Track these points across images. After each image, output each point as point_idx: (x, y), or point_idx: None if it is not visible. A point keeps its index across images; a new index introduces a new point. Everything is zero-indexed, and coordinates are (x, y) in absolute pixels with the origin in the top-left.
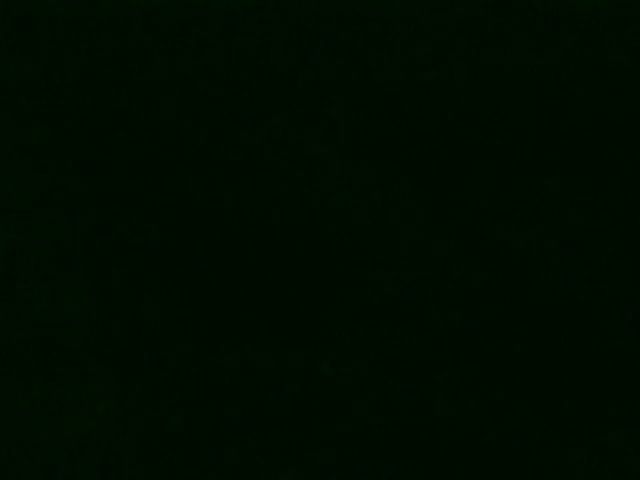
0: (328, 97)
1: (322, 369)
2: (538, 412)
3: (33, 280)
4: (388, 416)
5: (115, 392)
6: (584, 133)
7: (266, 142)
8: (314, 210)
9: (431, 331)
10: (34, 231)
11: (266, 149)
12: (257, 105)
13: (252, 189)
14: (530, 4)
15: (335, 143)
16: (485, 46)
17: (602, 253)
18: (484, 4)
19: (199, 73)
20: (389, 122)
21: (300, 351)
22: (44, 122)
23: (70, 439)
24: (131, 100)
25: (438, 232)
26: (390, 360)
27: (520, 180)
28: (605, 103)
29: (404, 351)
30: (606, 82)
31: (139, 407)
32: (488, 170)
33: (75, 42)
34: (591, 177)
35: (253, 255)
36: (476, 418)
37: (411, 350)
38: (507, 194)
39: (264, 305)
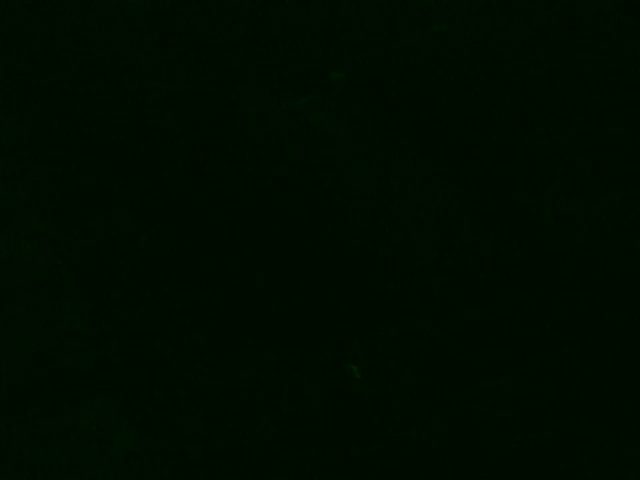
0: (326, 60)
1: (350, 373)
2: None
3: (29, 295)
4: (423, 429)
5: (127, 418)
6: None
7: (261, 113)
8: (322, 190)
9: (464, 324)
10: (21, 239)
11: (262, 122)
12: (246, 73)
13: (250, 171)
14: None
15: (337, 111)
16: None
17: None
18: None
19: (186, 41)
20: (395, 86)
21: (324, 353)
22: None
23: (87, 474)
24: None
25: (458, 205)
26: (422, 359)
27: (540, 143)
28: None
29: (435, 349)
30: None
31: (155, 437)
32: (507, 135)
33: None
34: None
35: (258, 245)
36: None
37: (442, 348)
38: (528, 159)
39: (277, 303)
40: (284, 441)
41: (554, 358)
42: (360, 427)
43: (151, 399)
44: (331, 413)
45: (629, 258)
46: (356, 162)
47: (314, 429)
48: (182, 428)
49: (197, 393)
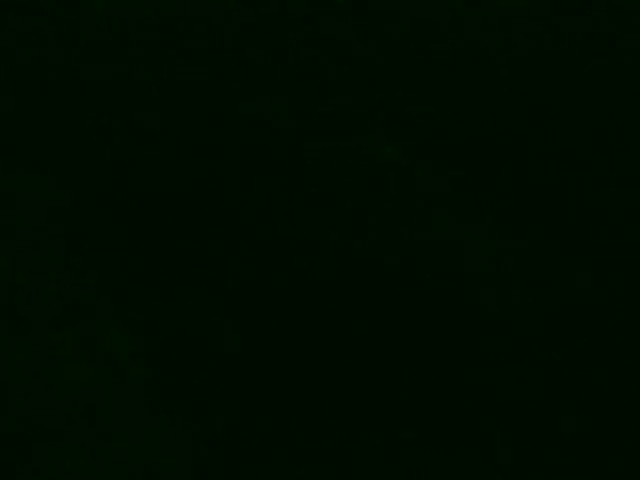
0: (406, 96)
1: None
2: None
3: None
4: None
5: None
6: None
7: (334, 148)
8: (392, 229)
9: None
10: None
11: (334, 155)
12: (319, 106)
13: (320, 204)
14: None
15: (414, 147)
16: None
17: None
18: None
19: (258, 72)
20: (469, 119)
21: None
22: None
23: None
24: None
25: (532, 247)
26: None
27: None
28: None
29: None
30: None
31: None
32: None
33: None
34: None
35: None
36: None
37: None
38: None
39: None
40: None
41: None
42: None
43: None
44: None
45: None
46: (433, 202)
47: None
48: None
49: None
